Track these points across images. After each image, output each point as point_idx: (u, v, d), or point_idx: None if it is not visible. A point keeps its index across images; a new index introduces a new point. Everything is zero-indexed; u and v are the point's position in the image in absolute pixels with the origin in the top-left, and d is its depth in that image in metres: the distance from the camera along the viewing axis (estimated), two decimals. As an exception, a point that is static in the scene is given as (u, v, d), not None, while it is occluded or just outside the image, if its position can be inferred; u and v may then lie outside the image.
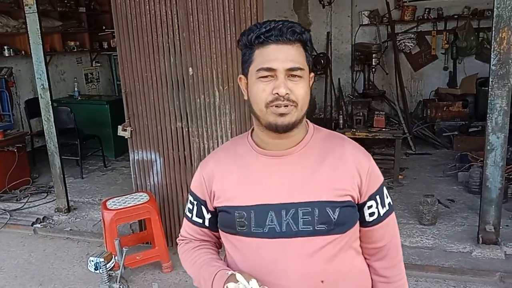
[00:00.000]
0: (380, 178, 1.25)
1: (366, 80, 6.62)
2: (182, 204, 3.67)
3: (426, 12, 6.85)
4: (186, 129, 3.51)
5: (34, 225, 4.37)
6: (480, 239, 3.44)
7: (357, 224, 1.22)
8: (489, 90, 3.18)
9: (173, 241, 3.76)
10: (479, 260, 3.35)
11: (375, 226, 1.23)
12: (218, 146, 3.43)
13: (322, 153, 1.20)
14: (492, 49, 3.12)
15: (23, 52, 6.13)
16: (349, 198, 1.17)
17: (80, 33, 7.34)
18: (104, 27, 7.60)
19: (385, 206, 1.24)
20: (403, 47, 7.01)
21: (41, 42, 4.19)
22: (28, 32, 4.25)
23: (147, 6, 3.34)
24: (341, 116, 5.35)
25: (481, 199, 3.42)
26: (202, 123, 3.46)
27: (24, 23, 5.11)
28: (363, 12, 7.04)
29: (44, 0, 6.37)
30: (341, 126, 5.18)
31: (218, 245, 1.36)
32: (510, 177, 4.35)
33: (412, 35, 6.99)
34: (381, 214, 1.23)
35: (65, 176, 4.65)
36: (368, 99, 5.99)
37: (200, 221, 1.31)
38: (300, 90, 1.12)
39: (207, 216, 1.29)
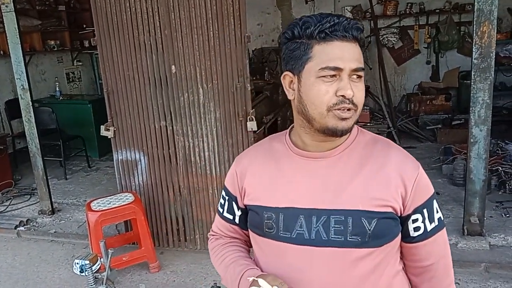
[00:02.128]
0: (430, 190, 1.11)
1: (350, 75, 6.64)
2: (168, 203, 3.64)
3: (408, 7, 6.91)
4: (170, 128, 3.47)
5: (18, 228, 4.30)
6: (465, 231, 3.48)
7: (398, 238, 1.10)
8: (472, 83, 3.21)
9: (159, 241, 3.74)
10: (465, 251, 3.39)
11: (420, 242, 1.11)
12: (203, 144, 3.42)
13: (363, 159, 1.09)
14: (473, 43, 3.15)
15: (1, 52, 6.01)
16: (390, 210, 1.06)
17: (60, 32, 7.22)
18: (84, 26, 7.49)
19: (433, 221, 1.11)
20: (386, 42, 7.06)
21: (19, 42, 4.10)
22: (6, 32, 4.16)
23: (127, 3, 3.29)
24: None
25: (465, 191, 3.46)
26: (187, 121, 3.43)
27: (1, 22, 4.99)
28: (346, 8, 7.06)
29: (22, -2, 6.25)
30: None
31: (249, 244, 1.28)
32: (493, 169, 4.41)
33: (395, 30, 7.05)
34: (428, 230, 1.10)
35: (48, 177, 4.57)
36: (353, 94, 6.01)
37: (231, 217, 1.25)
38: (361, 92, 1.04)
39: (238, 213, 1.23)
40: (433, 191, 1.13)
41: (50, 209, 4.52)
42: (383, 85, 6.71)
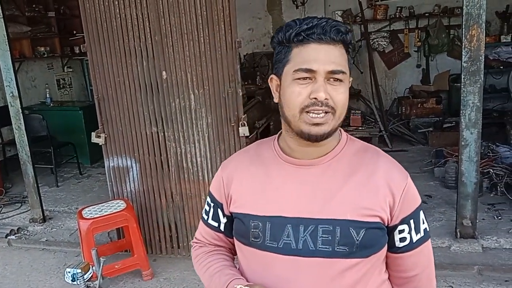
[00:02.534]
0: (417, 201, 1.11)
1: (341, 79, 6.67)
2: (161, 210, 3.61)
3: (398, 11, 6.95)
4: (162, 134, 3.46)
5: (8, 237, 4.25)
6: (458, 234, 3.49)
7: (385, 249, 1.09)
8: (462, 86, 3.23)
9: (152, 248, 3.71)
10: (458, 254, 3.40)
11: (405, 253, 1.10)
12: (195, 150, 3.40)
13: (352, 167, 1.08)
14: (463, 47, 3.17)
15: (-9, 59, 5.95)
16: (378, 220, 1.05)
17: (50, 38, 7.17)
18: (75, 32, 7.44)
19: (419, 232, 1.11)
20: (377, 46, 7.10)
21: (8, 49, 4.08)
22: (-5, 38, 4.13)
23: (117, 10, 3.28)
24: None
25: (457, 194, 3.47)
26: (178, 127, 3.41)
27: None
28: (336, 12, 7.09)
29: (11, 5, 6.21)
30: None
31: (234, 252, 1.26)
32: (485, 171, 4.43)
33: (385, 34, 7.09)
34: (414, 241, 1.10)
35: (39, 185, 4.54)
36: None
37: (216, 224, 1.22)
38: (340, 95, 1.02)
39: (223, 220, 1.21)
40: (420, 201, 1.12)
41: (41, 217, 4.47)
42: (374, 89, 6.74)
